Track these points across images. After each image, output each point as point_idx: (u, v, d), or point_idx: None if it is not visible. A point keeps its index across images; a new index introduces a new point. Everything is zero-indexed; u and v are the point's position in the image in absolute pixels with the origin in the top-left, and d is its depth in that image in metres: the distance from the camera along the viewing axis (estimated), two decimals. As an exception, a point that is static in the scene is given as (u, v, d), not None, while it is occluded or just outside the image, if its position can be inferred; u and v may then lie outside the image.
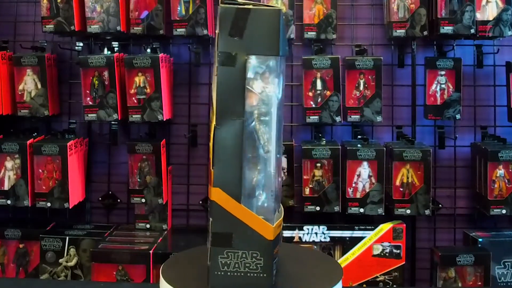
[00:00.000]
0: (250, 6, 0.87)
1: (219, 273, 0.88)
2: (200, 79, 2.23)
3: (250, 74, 0.88)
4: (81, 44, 2.14)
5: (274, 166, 0.91)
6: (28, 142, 2.01)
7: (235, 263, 0.88)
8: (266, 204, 0.91)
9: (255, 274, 0.88)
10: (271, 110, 0.90)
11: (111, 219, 2.26)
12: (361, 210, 1.98)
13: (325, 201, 1.99)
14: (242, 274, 0.88)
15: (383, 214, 1.99)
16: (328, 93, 2.03)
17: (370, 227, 1.99)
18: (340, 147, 2.01)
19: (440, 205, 2.16)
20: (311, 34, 2.04)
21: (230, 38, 0.86)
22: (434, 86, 2.06)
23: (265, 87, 0.90)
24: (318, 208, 1.99)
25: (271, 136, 0.90)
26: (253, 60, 0.89)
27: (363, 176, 1.99)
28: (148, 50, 2.08)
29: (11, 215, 2.15)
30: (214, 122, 0.88)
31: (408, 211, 1.98)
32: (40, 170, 2.00)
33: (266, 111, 0.90)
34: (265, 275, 0.89)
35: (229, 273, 0.88)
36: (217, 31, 0.88)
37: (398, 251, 1.98)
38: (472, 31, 1.95)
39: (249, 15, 0.86)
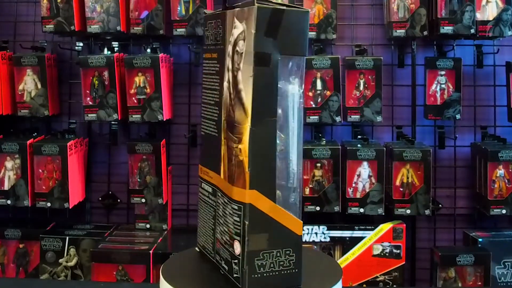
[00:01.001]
0: (284, 7, 0.89)
1: (256, 275, 0.88)
2: (200, 79, 2.21)
3: (280, 74, 0.90)
4: (81, 44, 2.14)
5: (298, 163, 0.93)
6: (28, 142, 2.01)
7: (270, 263, 0.88)
8: (293, 200, 0.93)
9: (289, 271, 0.90)
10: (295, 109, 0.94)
11: (111, 219, 2.26)
12: (361, 210, 1.98)
13: (325, 201, 1.99)
14: (277, 273, 0.89)
15: (383, 214, 1.99)
16: (328, 93, 2.03)
17: (370, 227, 1.99)
18: (340, 147, 2.01)
19: (440, 205, 2.16)
20: (311, 34, 2.04)
21: (266, 38, 0.87)
22: (434, 86, 2.06)
23: (292, 87, 0.93)
24: (318, 208, 1.99)
25: (294, 134, 0.93)
26: (284, 60, 0.90)
27: (363, 176, 1.99)
28: (148, 50, 2.08)
29: (11, 215, 2.15)
30: (247, 124, 0.87)
31: (408, 211, 1.98)
32: (40, 170, 2.00)
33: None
34: (296, 270, 0.90)
35: (265, 274, 0.88)
36: (252, 31, 0.87)
37: (398, 251, 1.98)
38: (472, 31, 1.95)
39: (283, 16, 0.88)
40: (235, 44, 0.90)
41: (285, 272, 0.89)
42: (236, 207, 0.88)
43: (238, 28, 0.90)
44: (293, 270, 0.90)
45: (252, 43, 0.86)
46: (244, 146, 0.87)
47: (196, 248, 1.06)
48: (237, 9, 0.90)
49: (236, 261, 0.89)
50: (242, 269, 0.87)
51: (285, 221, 0.89)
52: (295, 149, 0.93)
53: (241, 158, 0.88)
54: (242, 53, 0.88)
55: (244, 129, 0.88)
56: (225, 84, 0.93)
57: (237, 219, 0.88)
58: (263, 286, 0.88)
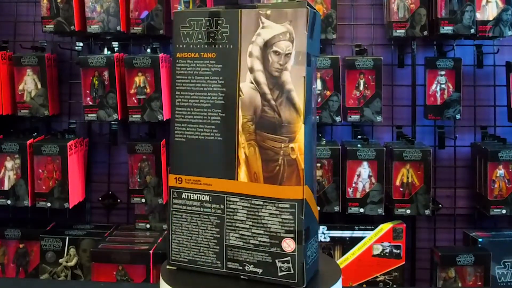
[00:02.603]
0: (315, 10, 0.94)
1: (307, 266, 0.92)
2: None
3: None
4: (81, 44, 2.14)
5: (315, 155, 1.00)
6: (28, 142, 2.01)
7: (311, 252, 0.94)
8: (314, 189, 0.98)
9: (316, 256, 0.97)
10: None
11: (111, 219, 2.26)
12: (361, 210, 1.98)
13: (325, 201, 1.99)
14: (313, 260, 0.96)
15: (383, 214, 1.99)
16: (328, 93, 2.03)
17: (370, 227, 1.99)
18: (340, 147, 2.01)
19: (440, 205, 2.16)
20: (311, 34, 2.04)
21: (310, 40, 0.91)
22: (434, 86, 2.06)
23: (315, 85, 0.99)
24: (318, 208, 1.99)
25: (314, 128, 0.98)
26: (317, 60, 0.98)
27: (363, 176, 1.99)
28: (148, 50, 2.08)
29: (11, 215, 2.15)
30: (300, 123, 0.90)
31: (408, 211, 1.98)
32: (40, 170, 2.01)
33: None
34: (318, 254, 0.99)
35: (310, 263, 0.93)
36: (305, 32, 0.90)
37: (398, 251, 1.98)
38: (472, 31, 1.95)
39: (315, 17, 0.93)
40: (268, 44, 0.91)
41: (315, 257, 0.96)
42: (287, 205, 0.90)
43: (275, 28, 0.91)
44: (317, 255, 0.98)
45: (305, 44, 0.89)
46: (299, 144, 0.90)
47: (169, 267, 0.99)
48: (266, 9, 0.91)
49: (287, 258, 0.91)
50: (298, 264, 0.91)
51: (316, 212, 0.97)
52: (315, 147, 1.00)
53: (293, 156, 0.90)
54: (289, 53, 0.90)
55: (297, 128, 0.90)
56: (248, 84, 0.92)
57: (290, 216, 0.90)
58: (308, 275, 0.93)
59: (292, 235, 0.91)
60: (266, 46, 0.91)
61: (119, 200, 2.25)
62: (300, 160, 0.90)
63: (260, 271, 0.93)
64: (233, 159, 0.93)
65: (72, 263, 2.01)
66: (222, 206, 0.94)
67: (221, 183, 0.94)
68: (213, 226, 0.95)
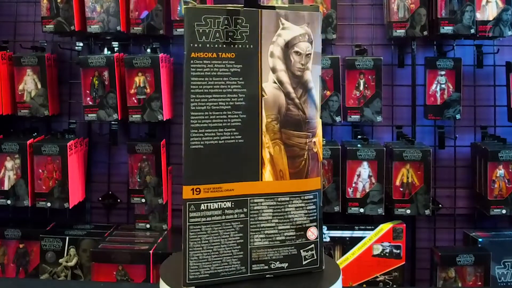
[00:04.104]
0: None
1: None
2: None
3: None
4: (81, 44, 2.14)
5: None
6: (28, 142, 2.01)
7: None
8: None
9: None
10: None
11: (111, 219, 2.26)
12: (361, 210, 1.98)
13: (325, 201, 1.99)
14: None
15: (383, 214, 1.99)
16: (328, 93, 2.03)
17: (370, 227, 1.99)
18: (340, 147, 2.01)
19: (440, 205, 2.16)
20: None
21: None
22: (434, 86, 2.06)
23: None
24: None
25: None
26: None
27: (363, 176, 1.99)
28: (148, 50, 2.08)
29: (11, 215, 2.15)
30: (318, 118, 0.97)
31: (408, 211, 1.98)
32: (40, 170, 2.01)
33: None
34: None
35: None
36: (320, 34, 0.97)
37: (398, 251, 1.98)
38: (472, 31, 1.95)
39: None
40: (290, 45, 0.94)
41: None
42: (311, 196, 0.96)
43: (294, 30, 0.94)
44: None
45: (320, 45, 0.96)
46: (319, 138, 0.97)
47: None
48: (285, 10, 0.94)
49: (310, 246, 0.97)
50: (320, 248, 0.98)
51: None
52: None
53: (315, 150, 0.96)
54: (309, 54, 0.95)
55: (317, 123, 0.96)
56: (271, 84, 0.93)
57: (313, 206, 0.97)
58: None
59: (315, 223, 0.97)
60: (287, 46, 0.94)
61: (119, 200, 2.25)
62: (320, 153, 0.97)
63: (286, 265, 0.95)
64: (256, 160, 0.93)
65: (72, 263, 2.01)
66: (245, 210, 0.93)
67: (244, 186, 0.93)
68: (236, 232, 0.93)
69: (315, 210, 0.96)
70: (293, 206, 0.95)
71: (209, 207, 0.91)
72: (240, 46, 0.91)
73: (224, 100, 0.90)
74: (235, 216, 0.92)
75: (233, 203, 0.92)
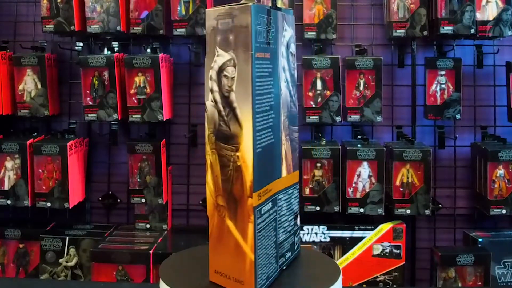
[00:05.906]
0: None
1: None
2: (200, 79, 2.23)
3: None
4: (81, 44, 2.14)
5: None
6: (28, 142, 2.01)
7: None
8: None
9: None
10: None
11: (111, 219, 2.26)
12: (361, 210, 1.98)
13: (325, 201, 1.99)
14: None
15: (383, 214, 1.99)
16: (328, 93, 2.03)
17: (370, 227, 1.99)
18: (340, 147, 2.01)
19: (440, 205, 2.16)
20: (311, 34, 2.04)
21: None
22: (434, 86, 2.07)
23: None
24: (318, 208, 1.99)
25: None
26: None
27: (363, 176, 1.99)
28: (148, 50, 2.08)
29: (11, 215, 2.15)
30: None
31: (408, 211, 1.98)
32: (40, 170, 2.01)
33: None
34: None
35: None
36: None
37: (398, 251, 1.98)
38: (472, 31, 1.95)
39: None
40: (287, 45, 1.00)
41: None
42: (297, 186, 1.04)
43: (288, 31, 1.01)
44: None
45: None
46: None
47: None
48: (282, 13, 0.98)
49: (298, 231, 1.06)
50: (299, 231, 1.06)
51: None
52: None
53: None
54: (295, 55, 1.04)
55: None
56: (284, 84, 0.98)
57: (297, 194, 1.04)
58: None
59: (298, 210, 1.05)
60: (286, 47, 1.00)
61: (119, 200, 2.25)
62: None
63: (290, 253, 1.01)
64: (279, 157, 0.96)
65: (72, 263, 2.01)
66: (275, 207, 0.94)
67: (275, 184, 0.94)
68: (273, 231, 0.93)
69: (298, 198, 1.05)
70: (294, 197, 1.02)
71: (263, 211, 0.90)
72: (271, 46, 0.93)
73: (268, 100, 0.91)
74: (271, 216, 0.93)
75: (271, 203, 0.93)
